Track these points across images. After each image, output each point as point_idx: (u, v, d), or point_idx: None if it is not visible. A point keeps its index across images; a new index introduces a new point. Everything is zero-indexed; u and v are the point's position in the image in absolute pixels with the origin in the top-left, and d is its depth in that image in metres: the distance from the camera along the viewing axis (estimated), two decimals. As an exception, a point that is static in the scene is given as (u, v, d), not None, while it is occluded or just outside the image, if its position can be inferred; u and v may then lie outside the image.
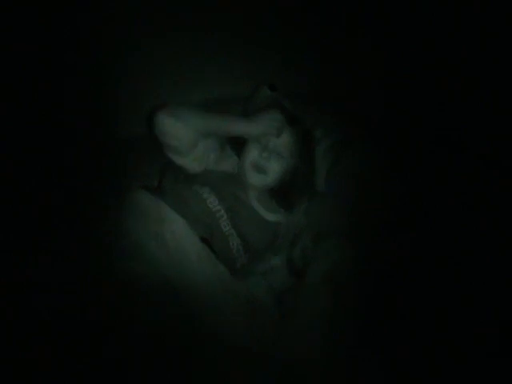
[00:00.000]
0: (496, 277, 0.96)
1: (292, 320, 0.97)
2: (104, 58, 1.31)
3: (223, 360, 0.87)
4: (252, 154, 1.10)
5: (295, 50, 1.40)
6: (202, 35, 1.36)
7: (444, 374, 0.86)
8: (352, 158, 1.24)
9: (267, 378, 0.87)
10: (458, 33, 1.19)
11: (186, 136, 1.03)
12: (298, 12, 1.37)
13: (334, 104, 1.37)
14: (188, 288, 0.94)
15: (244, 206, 1.10)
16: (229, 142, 1.18)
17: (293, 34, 1.39)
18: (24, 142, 1.14)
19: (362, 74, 1.37)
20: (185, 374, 0.84)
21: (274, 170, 1.09)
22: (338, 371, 0.88)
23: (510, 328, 0.88)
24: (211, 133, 1.08)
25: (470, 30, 1.16)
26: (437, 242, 1.04)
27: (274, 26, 1.37)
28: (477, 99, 1.15)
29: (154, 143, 1.07)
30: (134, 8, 1.30)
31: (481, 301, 0.93)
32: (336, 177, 1.22)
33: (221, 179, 1.11)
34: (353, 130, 1.29)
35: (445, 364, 0.87)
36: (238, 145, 1.15)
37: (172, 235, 0.96)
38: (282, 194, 1.15)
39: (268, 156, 1.08)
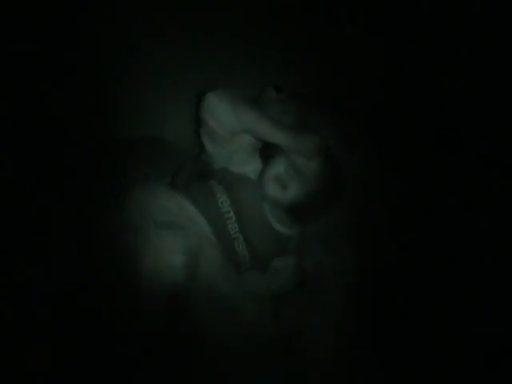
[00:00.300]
0: (496, 277, 0.96)
1: (292, 320, 0.97)
2: (104, 58, 1.31)
3: (223, 360, 0.87)
4: (278, 166, 1.08)
5: (295, 49, 1.40)
6: (202, 35, 1.35)
7: (444, 374, 0.86)
8: (352, 158, 1.24)
9: (267, 378, 0.87)
10: (457, 33, 1.19)
11: (229, 122, 1.02)
12: (298, 12, 1.37)
13: (334, 104, 1.36)
14: (191, 287, 0.94)
15: (256, 213, 1.10)
16: (261, 148, 1.17)
17: (293, 34, 1.39)
18: (24, 142, 1.14)
19: (362, 74, 1.37)
20: (185, 374, 0.84)
21: (294, 189, 1.07)
22: (338, 371, 0.88)
23: (510, 328, 0.88)
24: (251, 129, 1.06)
25: (470, 30, 1.16)
26: (437, 242, 1.04)
27: (273, 26, 1.37)
28: (477, 99, 1.15)
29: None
30: (134, 8, 1.30)
31: (481, 301, 0.93)
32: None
33: (239, 182, 1.11)
34: (353, 130, 1.29)
35: (445, 364, 0.87)
36: (268, 153, 1.14)
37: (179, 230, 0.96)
38: (296, 211, 1.14)
39: (293, 174, 1.06)
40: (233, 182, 1.10)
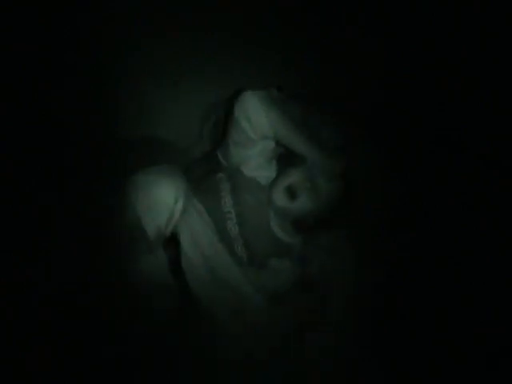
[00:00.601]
0: (496, 277, 0.95)
1: (291, 320, 0.97)
2: (104, 58, 1.30)
3: (222, 360, 0.87)
4: (295, 176, 1.06)
5: (295, 49, 1.40)
6: (202, 35, 1.35)
7: (444, 374, 0.86)
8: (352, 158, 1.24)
9: (267, 379, 0.87)
10: (458, 33, 1.19)
11: (260, 123, 1.02)
12: (298, 12, 1.37)
13: (334, 104, 1.36)
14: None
15: (259, 218, 1.09)
16: (280, 156, 1.16)
17: (293, 34, 1.39)
18: (24, 142, 1.14)
19: (362, 74, 1.37)
20: (185, 373, 0.84)
21: (304, 202, 1.06)
22: (338, 371, 0.88)
23: (510, 328, 0.88)
24: (283, 137, 1.05)
25: (470, 30, 1.16)
26: (437, 242, 1.03)
27: (274, 25, 1.37)
28: (477, 99, 1.15)
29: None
30: (134, 8, 1.30)
31: (481, 301, 0.93)
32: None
33: (247, 185, 1.10)
34: (353, 130, 1.29)
35: (445, 364, 0.87)
36: (287, 162, 1.13)
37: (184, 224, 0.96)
38: (300, 222, 1.13)
39: (308, 188, 1.05)
40: (241, 184, 1.09)
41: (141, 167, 1.25)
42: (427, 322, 0.92)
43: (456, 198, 1.09)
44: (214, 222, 1.06)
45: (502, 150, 1.10)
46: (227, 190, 1.07)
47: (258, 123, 1.02)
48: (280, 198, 1.06)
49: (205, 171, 1.13)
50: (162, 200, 0.94)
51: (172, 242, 1.02)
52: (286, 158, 1.14)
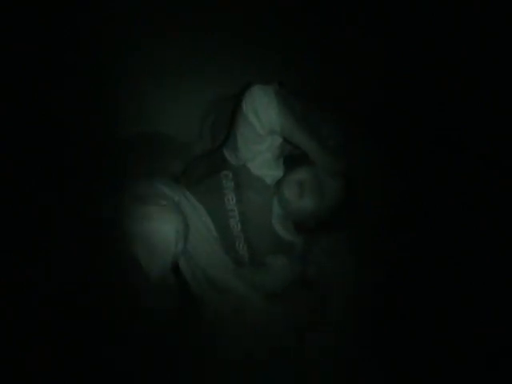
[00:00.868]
0: (496, 277, 0.95)
1: (291, 320, 0.97)
2: (104, 58, 1.30)
3: (222, 360, 0.87)
4: (304, 174, 1.07)
5: (295, 49, 1.40)
6: (202, 35, 1.35)
7: (444, 374, 0.86)
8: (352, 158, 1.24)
9: (267, 379, 0.87)
10: (458, 33, 1.19)
11: (267, 116, 1.02)
12: (298, 12, 1.37)
13: (334, 104, 1.36)
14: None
15: (261, 217, 1.09)
16: (287, 156, 1.17)
17: (293, 34, 1.39)
18: (24, 142, 1.14)
19: (362, 74, 1.37)
20: (185, 373, 0.84)
21: (309, 201, 1.07)
22: (338, 371, 0.88)
23: (510, 328, 0.88)
24: (289, 133, 1.05)
25: (470, 30, 1.16)
26: (437, 242, 1.03)
27: (274, 26, 1.37)
28: (477, 99, 1.15)
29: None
30: (134, 8, 1.30)
31: (481, 301, 0.93)
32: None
33: (253, 183, 1.10)
34: (353, 131, 1.29)
35: (445, 364, 0.87)
36: (294, 162, 1.13)
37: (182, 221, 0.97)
38: (303, 221, 1.13)
39: (315, 187, 1.06)
40: (247, 181, 1.09)
41: (141, 167, 1.25)
42: (427, 321, 0.92)
43: (456, 197, 1.09)
44: (215, 221, 1.06)
45: (502, 149, 1.10)
46: (231, 188, 1.07)
47: (265, 116, 1.02)
48: (289, 190, 1.07)
49: (207, 169, 1.13)
50: (164, 247, 0.94)
51: None
52: (293, 159, 1.14)
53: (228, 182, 1.08)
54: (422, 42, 1.25)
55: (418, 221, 1.09)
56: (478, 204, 1.06)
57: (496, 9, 1.11)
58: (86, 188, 1.15)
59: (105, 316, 0.86)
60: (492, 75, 1.14)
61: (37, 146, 1.17)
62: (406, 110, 1.29)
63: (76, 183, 1.16)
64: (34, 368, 0.79)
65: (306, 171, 1.08)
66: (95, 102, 1.33)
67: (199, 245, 1.02)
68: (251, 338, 0.93)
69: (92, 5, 1.25)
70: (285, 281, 1.09)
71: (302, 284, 1.08)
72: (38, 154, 1.17)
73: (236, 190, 1.07)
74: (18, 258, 0.92)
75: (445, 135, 1.20)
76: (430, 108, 1.26)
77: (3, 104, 1.13)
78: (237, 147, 1.09)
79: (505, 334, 0.88)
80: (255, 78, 1.29)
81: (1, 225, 0.98)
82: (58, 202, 1.08)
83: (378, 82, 1.36)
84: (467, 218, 1.05)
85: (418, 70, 1.28)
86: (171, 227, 0.94)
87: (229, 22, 1.35)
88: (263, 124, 1.03)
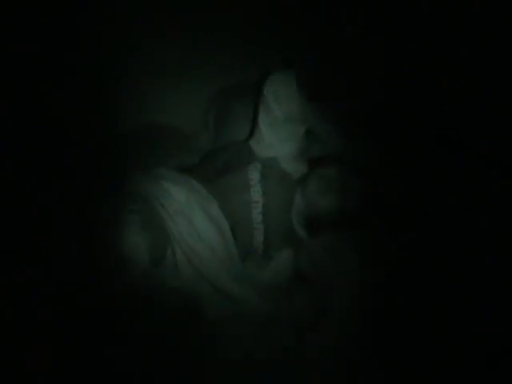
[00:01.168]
0: (496, 277, 0.95)
1: (292, 320, 0.97)
2: (104, 58, 1.30)
3: (223, 360, 0.87)
4: (331, 170, 1.10)
5: (295, 49, 1.40)
6: (202, 35, 1.35)
7: (444, 374, 0.86)
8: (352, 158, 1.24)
9: (267, 379, 0.87)
10: (458, 33, 1.19)
11: (289, 102, 1.06)
12: (298, 12, 1.37)
13: (334, 104, 1.36)
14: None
15: (283, 211, 1.11)
16: (314, 156, 1.19)
17: (293, 34, 1.39)
18: (24, 142, 1.14)
19: (362, 74, 1.37)
20: (185, 374, 0.84)
21: (333, 197, 1.09)
22: (338, 371, 0.88)
23: (510, 328, 0.88)
24: (306, 113, 1.10)
25: (470, 30, 1.16)
26: (437, 242, 1.03)
27: (274, 26, 1.37)
28: (477, 99, 1.15)
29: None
30: (134, 8, 1.29)
31: (481, 301, 0.93)
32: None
33: (279, 176, 1.12)
34: (353, 131, 1.29)
35: (445, 364, 0.86)
36: (319, 160, 1.16)
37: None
38: (317, 220, 1.14)
39: (340, 184, 1.08)
40: (274, 174, 1.11)
41: (141, 167, 1.25)
42: (427, 321, 0.92)
43: (456, 197, 1.09)
44: (233, 212, 1.06)
45: (502, 149, 1.10)
46: (257, 180, 1.07)
47: (285, 100, 1.06)
48: (314, 186, 1.09)
49: (230, 161, 1.14)
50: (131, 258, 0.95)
51: None
52: (319, 158, 1.16)
53: (255, 174, 1.08)
54: (422, 41, 1.25)
55: (418, 221, 1.09)
56: (478, 204, 1.06)
57: (496, 9, 1.11)
58: (85, 188, 1.15)
59: (105, 316, 0.86)
60: (492, 75, 1.14)
61: (37, 145, 1.17)
62: (406, 110, 1.29)
63: (76, 183, 1.16)
64: (34, 368, 0.79)
65: (333, 169, 1.10)
66: (95, 102, 1.33)
67: (198, 245, 1.02)
68: (251, 338, 0.93)
69: (92, 5, 1.25)
70: (286, 277, 1.09)
71: (302, 281, 1.08)
72: (38, 153, 1.17)
73: (262, 181, 1.08)
74: (18, 258, 0.92)
75: (445, 135, 1.20)
76: (430, 108, 1.26)
77: (3, 104, 1.13)
78: (262, 137, 1.11)
79: (505, 333, 0.88)
80: (255, 78, 1.30)
81: (1, 225, 0.98)
82: (58, 201, 1.08)
83: (378, 82, 1.36)
84: (467, 217, 1.05)
85: (418, 70, 1.28)
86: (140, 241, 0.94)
87: (229, 22, 1.35)
88: (282, 107, 1.07)
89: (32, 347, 0.81)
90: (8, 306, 0.84)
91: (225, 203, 1.07)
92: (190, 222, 1.00)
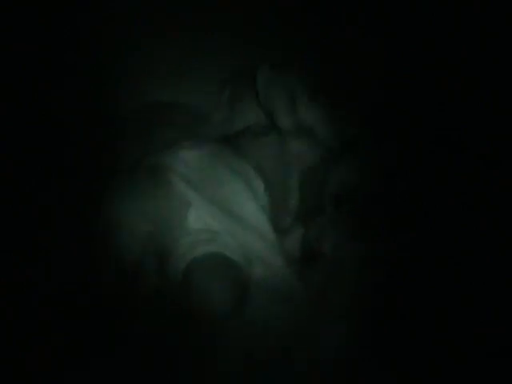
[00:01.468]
0: (496, 277, 0.95)
1: (290, 320, 0.97)
2: (104, 58, 1.31)
3: (223, 360, 0.87)
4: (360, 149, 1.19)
5: (295, 49, 1.40)
6: (202, 35, 1.35)
7: (444, 374, 0.86)
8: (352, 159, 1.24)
9: (267, 378, 0.87)
10: (457, 33, 1.19)
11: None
12: (298, 12, 1.37)
13: (334, 104, 1.36)
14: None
15: (316, 182, 1.16)
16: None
17: (293, 34, 1.39)
18: (24, 142, 1.14)
19: (362, 74, 1.37)
20: (185, 374, 0.84)
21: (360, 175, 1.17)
22: (337, 371, 0.88)
23: (510, 328, 0.88)
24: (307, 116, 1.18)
25: (470, 30, 1.16)
26: (437, 242, 1.03)
27: (274, 25, 1.37)
28: (477, 99, 1.15)
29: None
30: (134, 8, 1.30)
31: (481, 301, 0.93)
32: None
33: (313, 147, 1.20)
34: (353, 130, 1.29)
35: (445, 364, 0.86)
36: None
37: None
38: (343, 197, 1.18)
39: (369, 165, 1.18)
40: (309, 145, 1.18)
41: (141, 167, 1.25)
42: (427, 321, 0.92)
43: (456, 197, 1.09)
44: (269, 172, 1.08)
45: (502, 149, 1.10)
46: (301, 143, 1.16)
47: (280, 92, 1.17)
48: (348, 161, 1.17)
49: (264, 133, 1.18)
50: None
51: None
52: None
53: (291, 144, 1.15)
54: (422, 41, 1.25)
55: (418, 221, 1.09)
56: (478, 204, 1.06)
57: (496, 9, 1.11)
58: (85, 188, 1.15)
59: (105, 316, 0.86)
60: (492, 75, 1.14)
61: (37, 145, 1.17)
62: (406, 110, 1.29)
63: (76, 183, 1.16)
64: (33, 368, 0.79)
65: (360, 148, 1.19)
66: (95, 102, 1.33)
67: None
68: (251, 338, 0.92)
69: (92, 5, 1.25)
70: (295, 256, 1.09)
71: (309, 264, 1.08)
72: (38, 153, 1.17)
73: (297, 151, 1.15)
74: (17, 258, 0.92)
75: (445, 135, 1.20)
76: (430, 108, 1.26)
77: (3, 104, 1.13)
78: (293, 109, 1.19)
79: (505, 333, 0.88)
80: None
81: (1, 225, 0.98)
82: (58, 201, 1.08)
83: (378, 82, 1.36)
84: (467, 217, 1.05)
85: (418, 70, 1.28)
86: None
87: (229, 22, 1.35)
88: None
89: (32, 347, 0.81)
90: (8, 306, 0.84)
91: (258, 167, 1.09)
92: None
